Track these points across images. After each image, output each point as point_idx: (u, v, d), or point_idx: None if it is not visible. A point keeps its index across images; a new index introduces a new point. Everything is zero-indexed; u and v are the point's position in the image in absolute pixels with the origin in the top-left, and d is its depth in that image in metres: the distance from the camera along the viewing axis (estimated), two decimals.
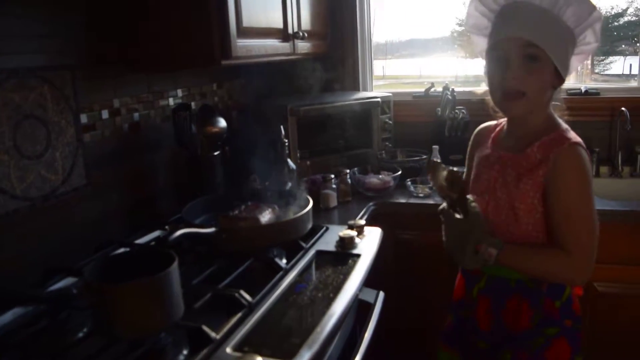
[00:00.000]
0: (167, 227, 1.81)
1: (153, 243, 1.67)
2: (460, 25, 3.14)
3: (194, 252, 1.53)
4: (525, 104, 1.35)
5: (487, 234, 1.36)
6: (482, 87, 1.50)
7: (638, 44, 2.82)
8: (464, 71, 3.21)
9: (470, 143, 1.67)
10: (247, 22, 1.83)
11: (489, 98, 1.45)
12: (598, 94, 2.71)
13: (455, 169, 1.39)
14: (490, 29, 1.43)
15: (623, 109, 2.54)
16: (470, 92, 2.70)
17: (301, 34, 2.26)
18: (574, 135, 1.37)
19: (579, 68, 1.48)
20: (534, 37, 1.30)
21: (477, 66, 3.23)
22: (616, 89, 2.79)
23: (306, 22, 2.40)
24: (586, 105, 2.62)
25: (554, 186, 1.33)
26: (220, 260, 1.48)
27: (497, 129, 1.56)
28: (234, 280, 1.36)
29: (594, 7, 1.33)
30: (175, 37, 1.74)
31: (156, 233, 1.79)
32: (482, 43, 1.48)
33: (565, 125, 1.41)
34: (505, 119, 1.54)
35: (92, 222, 1.72)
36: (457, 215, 1.37)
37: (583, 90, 2.68)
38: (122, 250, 1.54)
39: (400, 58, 3.09)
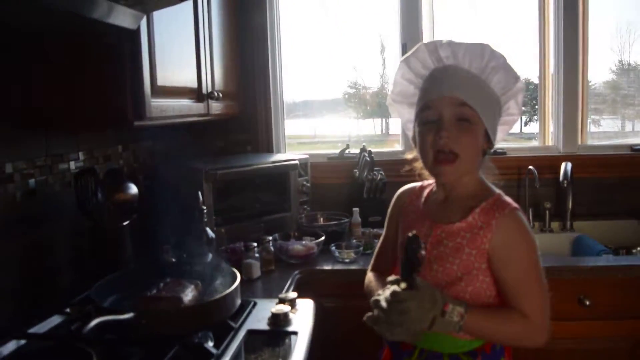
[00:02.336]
0: (68, 310, 1.57)
1: (61, 335, 1.43)
2: (351, 87, 3.25)
3: (104, 342, 1.32)
4: (457, 168, 1.32)
5: (446, 294, 1.26)
6: (412, 153, 1.45)
7: (536, 106, 2.98)
8: (357, 131, 3.32)
9: (391, 206, 1.60)
10: (161, 80, 1.70)
11: (417, 163, 1.43)
12: (505, 153, 2.81)
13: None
14: (419, 94, 1.41)
15: (531, 167, 2.64)
16: (387, 153, 2.70)
17: (216, 94, 2.17)
18: (511, 200, 1.35)
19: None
20: (466, 97, 1.30)
21: (369, 127, 3.38)
22: (520, 149, 2.92)
23: (219, 82, 2.31)
24: (495, 165, 2.69)
25: (502, 255, 1.29)
26: (138, 350, 1.27)
27: (425, 192, 1.51)
28: None
29: (518, 77, 1.36)
30: (82, 93, 1.56)
31: (56, 319, 1.55)
32: (407, 113, 1.49)
33: (498, 190, 1.39)
34: (430, 182, 1.50)
35: None
36: (405, 292, 1.22)
37: (491, 151, 2.76)
38: (21, 344, 1.29)
39: (294, 119, 3.13)
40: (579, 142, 2.84)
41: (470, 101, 1.29)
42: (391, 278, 1.26)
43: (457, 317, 1.21)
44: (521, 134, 3.23)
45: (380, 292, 1.25)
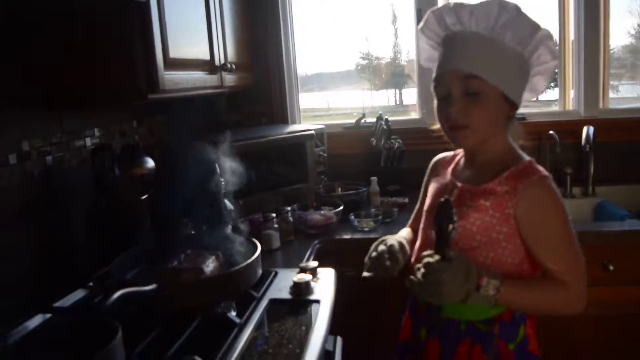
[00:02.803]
0: (91, 284, 1.58)
1: (84, 308, 1.44)
2: (364, 58, 3.21)
3: (127, 314, 1.32)
4: (472, 135, 1.32)
5: (482, 268, 1.25)
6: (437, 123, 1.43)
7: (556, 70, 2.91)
8: (371, 103, 3.29)
9: (427, 173, 1.62)
10: (173, 53, 1.68)
11: None
12: (524, 118, 2.76)
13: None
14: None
15: (551, 132, 2.59)
16: (404, 121, 2.66)
17: (229, 65, 2.13)
18: (542, 168, 1.31)
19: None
20: (471, 67, 1.28)
21: (382, 98, 3.35)
22: (539, 114, 2.86)
23: (232, 54, 2.28)
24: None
25: (531, 222, 1.27)
26: (162, 321, 1.28)
27: (456, 159, 1.51)
28: (183, 344, 1.16)
29: (536, 26, 1.29)
30: (95, 69, 1.54)
31: (79, 293, 1.56)
32: None
33: (529, 157, 1.36)
34: (462, 150, 1.49)
35: (2, 285, 1.46)
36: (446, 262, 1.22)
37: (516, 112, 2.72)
38: (46, 317, 1.30)
39: (307, 92, 3.10)
40: (601, 106, 2.78)
41: (476, 71, 1.27)
42: (426, 253, 1.26)
43: (492, 290, 1.20)
44: (541, 101, 3.16)
45: (418, 264, 1.25)
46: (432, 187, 1.52)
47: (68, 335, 0.97)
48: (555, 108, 2.94)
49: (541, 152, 2.67)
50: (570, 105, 2.88)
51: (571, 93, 2.87)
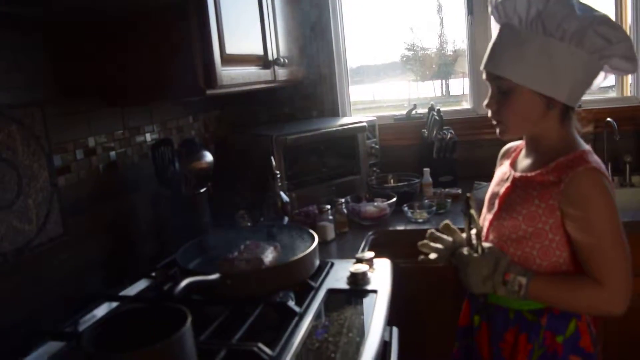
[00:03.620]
0: (154, 274, 1.64)
1: (154, 296, 1.51)
2: (409, 49, 3.17)
3: (193, 302, 1.38)
4: (506, 130, 1.34)
5: (514, 264, 1.27)
6: None
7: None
8: (416, 94, 3.26)
9: (497, 162, 1.60)
10: (229, 49, 1.72)
11: None
12: (580, 106, 2.68)
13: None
14: None
15: (609, 119, 2.52)
16: (455, 112, 2.64)
17: (281, 60, 2.16)
18: (594, 160, 1.26)
19: None
20: (497, 69, 1.29)
21: (429, 89, 3.30)
22: (597, 100, 2.78)
23: (284, 49, 2.31)
24: None
25: (574, 215, 1.23)
26: (224, 309, 1.32)
27: (519, 148, 1.49)
28: (246, 332, 1.20)
29: (572, 12, 1.22)
30: (155, 67, 1.60)
31: (142, 283, 1.63)
32: None
33: (586, 147, 1.31)
34: None
35: (71, 275, 1.54)
36: (475, 254, 1.29)
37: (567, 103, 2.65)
38: (113, 306, 1.37)
39: (352, 85, 3.10)
40: None
41: (500, 72, 1.27)
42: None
43: (517, 287, 1.23)
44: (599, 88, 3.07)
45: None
46: (495, 176, 1.52)
47: (139, 321, 1.01)
48: (612, 94, 2.85)
49: (598, 141, 2.60)
50: (628, 91, 2.78)
51: (629, 78, 2.77)
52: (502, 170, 1.47)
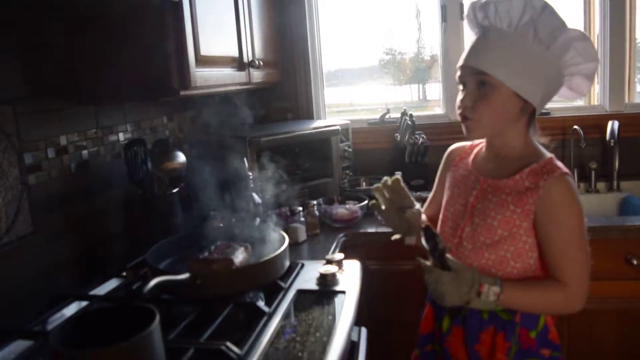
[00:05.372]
0: (124, 274, 1.65)
1: (122, 295, 1.51)
2: (387, 53, 3.20)
3: (162, 301, 1.39)
4: (476, 127, 1.35)
5: (484, 275, 1.31)
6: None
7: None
8: (394, 98, 3.29)
9: (442, 161, 1.65)
10: (204, 50, 1.73)
11: None
12: (549, 113, 2.75)
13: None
14: None
15: (576, 127, 2.59)
16: (428, 117, 2.68)
17: (256, 62, 2.18)
18: (562, 165, 1.34)
19: None
20: (482, 65, 1.31)
21: (406, 93, 3.33)
22: (564, 109, 2.85)
23: (259, 51, 2.32)
24: (539, 126, 2.64)
25: (548, 219, 1.29)
26: (193, 309, 1.33)
27: (475, 150, 1.53)
28: (215, 331, 1.21)
29: (562, 26, 1.28)
30: (129, 67, 1.59)
31: (113, 282, 1.63)
32: None
33: (550, 154, 1.38)
34: (481, 141, 1.51)
35: (40, 274, 1.54)
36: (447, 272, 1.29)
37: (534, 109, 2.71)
38: (82, 305, 1.37)
39: (330, 87, 3.14)
40: (626, 101, 2.76)
41: (486, 68, 1.29)
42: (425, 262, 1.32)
43: (493, 296, 1.27)
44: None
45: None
46: (450, 178, 1.54)
47: (108, 321, 1.02)
48: (580, 103, 2.93)
49: (566, 147, 2.67)
50: (595, 100, 2.86)
51: (596, 88, 2.85)
52: (461, 173, 1.50)
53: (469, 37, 1.44)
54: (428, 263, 1.29)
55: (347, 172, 2.58)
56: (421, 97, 3.34)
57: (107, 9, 1.56)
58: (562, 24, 1.29)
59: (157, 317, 0.95)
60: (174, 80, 1.59)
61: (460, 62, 1.37)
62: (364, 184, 2.55)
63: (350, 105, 3.41)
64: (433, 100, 3.19)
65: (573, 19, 2.84)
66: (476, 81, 1.32)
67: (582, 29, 2.76)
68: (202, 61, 1.71)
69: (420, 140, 2.59)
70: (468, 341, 1.40)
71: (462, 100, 1.36)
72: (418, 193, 2.47)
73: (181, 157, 1.88)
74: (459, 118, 1.39)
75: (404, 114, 2.67)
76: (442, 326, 1.45)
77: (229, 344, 1.12)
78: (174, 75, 1.59)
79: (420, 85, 3.32)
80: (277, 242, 1.58)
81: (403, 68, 3.24)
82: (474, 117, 1.34)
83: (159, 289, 1.26)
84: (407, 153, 2.60)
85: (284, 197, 2.26)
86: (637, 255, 1.97)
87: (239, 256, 1.47)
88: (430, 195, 1.71)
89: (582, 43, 1.30)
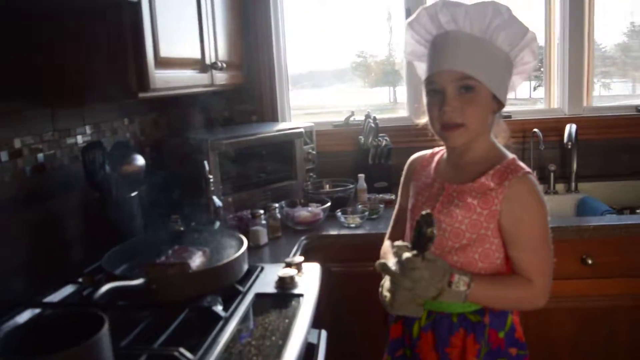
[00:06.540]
0: (80, 279, 1.62)
1: (72, 302, 1.48)
2: (359, 56, 3.24)
3: (116, 307, 1.37)
4: (465, 133, 1.34)
5: (453, 266, 1.31)
6: (424, 118, 1.45)
7: (541, 69, 2.96)
8: (365, 100, 3.30)
9: (404, 173, 1.64)
10: (164, 52, 1.71)
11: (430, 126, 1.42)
12: (510, 116, 2.80)
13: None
14: (426, 61, 1.42)
15: (535, 130, 2.64)
16: (392, 119, 2.70)
17: (219, 64, 2.16)
18: (524, 165, 1.36)
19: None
20: (466, 68, 1.30)
21: (377, 95, 3.36)
22: (525, 112, 2.91)
23: (223, 53, 2.31)
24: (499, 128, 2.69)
25: (512, 218, 1.31)
26: (148, 315, 1.32)
27: (436, 157, 1.53)
28: (169, 337, 1.20)
29: (526, 29, 1.33)
30: (86, 68, 1.57)
31: (69, 288, 1.60)
32: (423, 67, 1.46)
33: (512, 155, 1.40)
34: (441, 148, 1.53)
35: None
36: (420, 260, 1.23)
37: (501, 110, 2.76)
38: (35, 312, 1.34)
39: (301, 89, 3.13)
40: (585, 104, 2.83)
41: (470, 71, 1.30)
42: (399, 243, 1.29)
43: (463, 286, 1.25)
44: (530, 98, 3.22)
45: (391, 259, 1.28)
46: (414, 187, 1.54)
47: (56, 328, 1.00)
48: (540, 106, 2.99)
49: (526, 150, 2.73)
50: (555, 104, 2.92)
51: (555, 90, 2.92)
52: (424, 181, 1.51)
53: (413, 44, 1.45)
54: (408, 254, 1.23)
55: (311, 174, 2.58)
56: (392, 100, 3.36)
57: (64, 7, 1.52)
58: (525, 28, 1.33)
59: (106, 324, 0.94)
60: (131, 82, 1.57)
61: (438, 68, 1.34)
62: (327, 186, 2.55)
63: (323, 108, 3.42)
64: (402, 102, 3.22)
65: (534, 24, 2.90)
66: (458, 86, 1.31)
67: (542, 34, 2.87)
68: (162, 63, 1.69)
69: (384, 142, 2.61)
70: (438, 345, 1.40)
71: (446, 108, 1.31)
72: (381, 195, 2.50)
73: (140, 160, 1.86)
74: (437, 127, 1.37)
75: (367, 116, 2.68)
76: (412, 331, 1.46)
77: (182, 349, 1.11)
78: (132, 77, 1.57)
79: (391, 88, 3.35)
80: (236, 245, 1.57)
81: (372, 70, 3.25)
82: (465, 122, 1.32)
83: (112, 295, 1.24)
84: (370, 155, 2.61)
85: (246, 200, 2.26)
86: (592, 255, 2.03)
87: (196, 260, 1.46)
88: (394, 214, 1.67)
89: (535, 43, 1.36)
